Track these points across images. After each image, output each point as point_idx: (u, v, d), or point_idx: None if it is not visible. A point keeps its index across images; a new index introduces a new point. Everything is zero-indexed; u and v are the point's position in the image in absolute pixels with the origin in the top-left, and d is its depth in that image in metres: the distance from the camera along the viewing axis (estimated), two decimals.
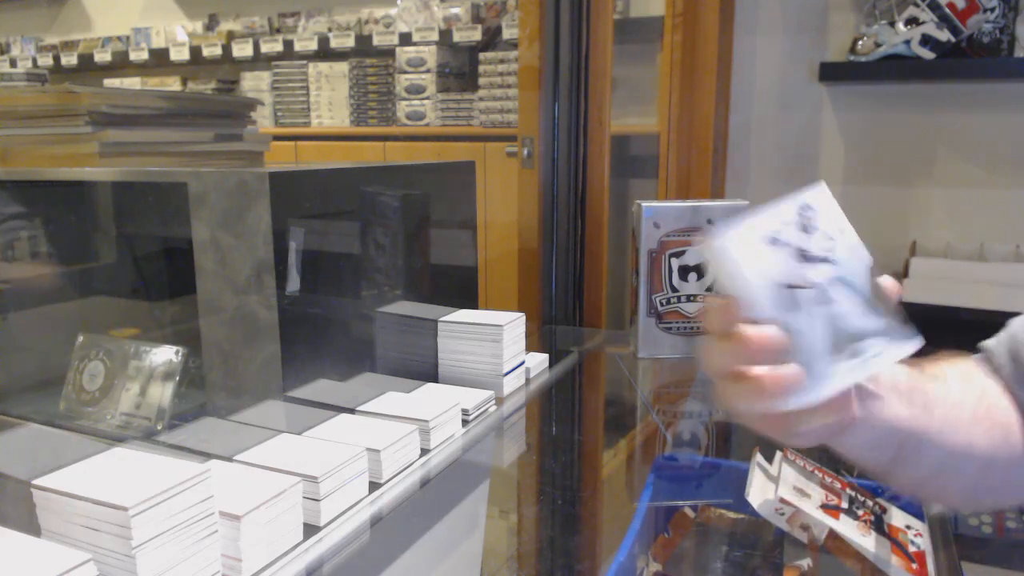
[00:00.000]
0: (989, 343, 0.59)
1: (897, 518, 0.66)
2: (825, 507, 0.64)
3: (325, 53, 2.91)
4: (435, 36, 2.68)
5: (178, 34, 3.27)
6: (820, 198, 0.44)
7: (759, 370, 0.41)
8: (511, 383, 0.96)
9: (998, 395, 0.56)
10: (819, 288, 0.42)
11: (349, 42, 2.84)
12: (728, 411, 0.45)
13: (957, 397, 0.52)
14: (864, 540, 0.61)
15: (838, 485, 0.68)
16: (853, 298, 0.43)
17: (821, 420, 0.43)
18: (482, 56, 2.57)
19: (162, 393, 0.82)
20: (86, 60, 3.38)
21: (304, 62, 2.94)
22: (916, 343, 0.44)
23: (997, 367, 0.57)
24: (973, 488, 0.54)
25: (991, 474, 0.53)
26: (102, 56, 3.35)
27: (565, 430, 0.97)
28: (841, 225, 0.44)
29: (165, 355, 0.84)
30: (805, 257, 0.42)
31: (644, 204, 1.11)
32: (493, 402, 0.92)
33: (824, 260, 0.43)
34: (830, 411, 0.43)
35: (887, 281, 0.45)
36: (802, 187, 0.44)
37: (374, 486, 0.71)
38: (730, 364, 0.42)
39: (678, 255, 1.11)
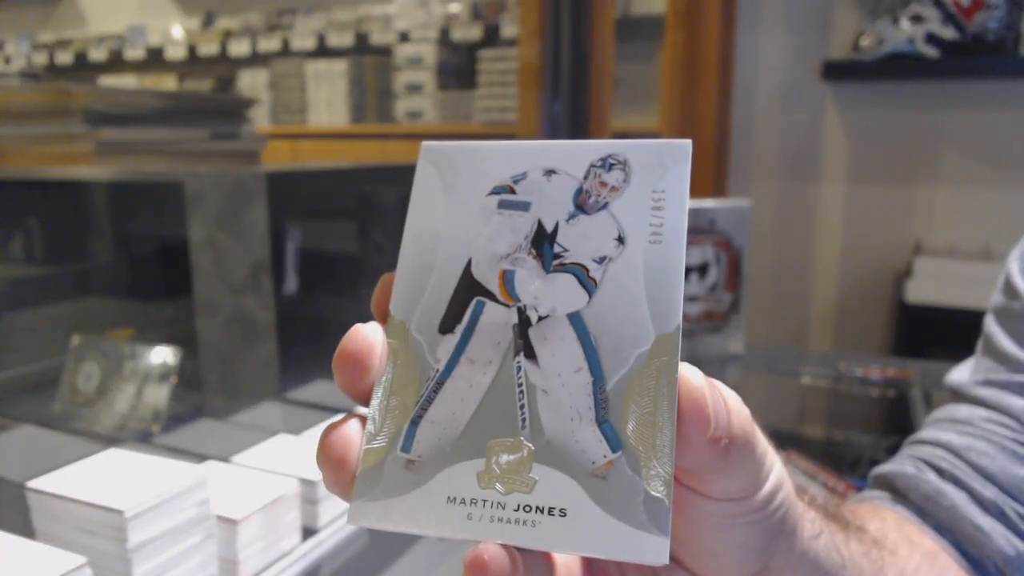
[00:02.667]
0: (891, 470, 0.47)
1: None
2: None
3: (323, 51, 2.90)
4: (434, 34, 2.67)
5: (174, 32, 3.26)
6: None
7: None
8: None
9: (924, 544, 0.43)
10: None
11: (347, 40, 2.83)
12: None
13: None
14: None
15: (841, 487, 0.68)
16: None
17: None
18: (481, 54, 2.56)
19: (158, 394, 0.81)
20: (81, 58, 3.37)
21: (302, 60, 2.93)
22: None
23: (920, 500, 0.45)
24: None
25: None
26: (97, 54, 3.34)
27: None
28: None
29: (161, 356, 0.83)
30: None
31: None
32: None
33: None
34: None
35: None
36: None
37: None
38: None
39: None
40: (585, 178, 0.25)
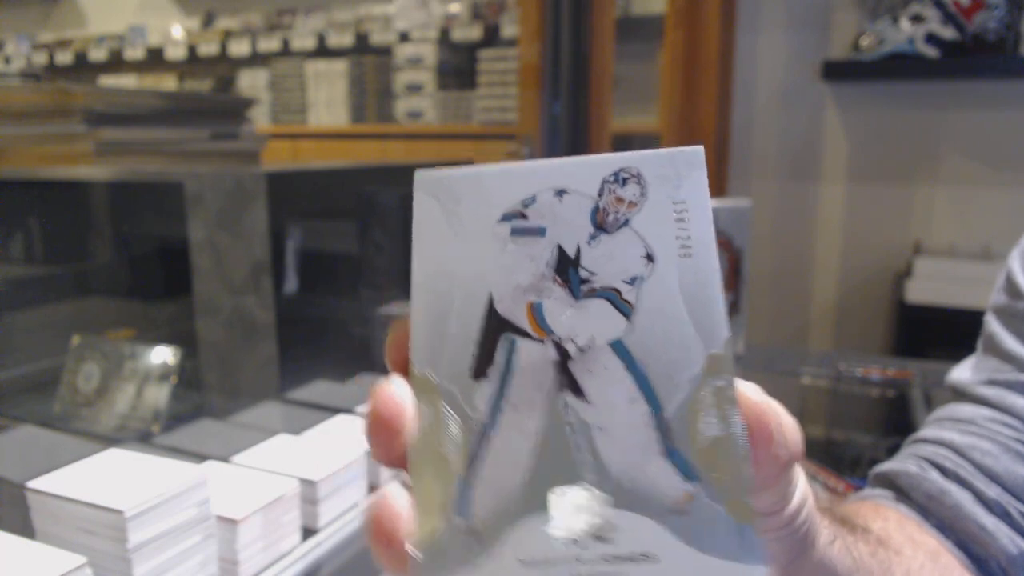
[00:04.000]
0: (906, 469, 0.47)
1: None
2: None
3: (323, 51, 2.90)
4: (434, 34, 2.67)
5: (174, 32, 3.26)
6: None
7: None
8: None
9: (927, 543, 0.43)
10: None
11: (347, 40, 2.83)
12: None
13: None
14: None
15: (841, 487, 0.68)
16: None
17: None
18: (481, 54, 2.56)
19: (158, 394, 0.81)
20: (81, 58, 3.37)
21: (301, 60, 2.93)
22: None
23: (923, 499, 0.45)
24: None
25: None
26: (97, 54, 3.34)
27: None
28: None
29: (161, 356, 0.83)
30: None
31: None
32: None
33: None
34: None
35: None
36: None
37: (373, 488, 0.70)
38: None
39: None
40: (600, 195, 0.24)
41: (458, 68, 2.73)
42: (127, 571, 0.49)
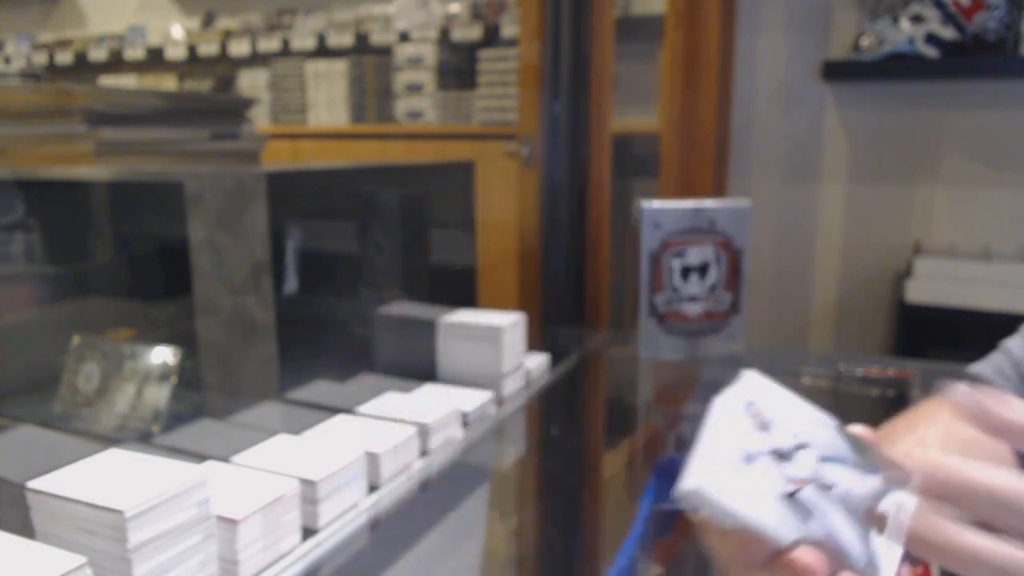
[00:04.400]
0: (983, 371, 0.55)
1: None
2: None
3: (323, 51, 2.90)
4: (434, 34, 2.67)
5: (174, 32, 3.26)
6: (755, 387, 0.39)
7: None
8: (511, 384, 0.95)
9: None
10: (814, 479, 0.37)
11: (347, 40, 2.83)
12: None
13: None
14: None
15: None
16: (846, 469, 0.37)
17: None
18: (481, 54, 2.56)
19: (158, 394, 0.81)
20: (81, 58, 3.37)
21: (302, 60, 2.93)
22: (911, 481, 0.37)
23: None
24: None
25: None
26: (97, 54, 3.34)
27: (566, 432, 0.96)
28: (789, 402, 0.39)
29: (161, 356, 0.83)
30: (782, 456, 0.37)
31: (645, 204, 1.10)
32: (493, 403, 0.91)
33: (799, 447, 0.37)
34: None
35: (860, 431, 0.39)
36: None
37: (373, 488, 0.70)
38: None
39: (679, 255, 1.11)
40: None
41: (458, 68, 2.73)
42: (127, 571, 0.49)
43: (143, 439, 0.79)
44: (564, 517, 0.70)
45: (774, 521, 0.35)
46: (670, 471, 0.82)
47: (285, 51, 2.96)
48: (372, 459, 0.70)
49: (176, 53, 3.18)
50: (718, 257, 1.11)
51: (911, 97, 1.88)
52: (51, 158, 0.98)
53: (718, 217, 1.10)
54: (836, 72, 1.87)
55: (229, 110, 1.19)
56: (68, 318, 1.03)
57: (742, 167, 2.05)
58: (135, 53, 3.26)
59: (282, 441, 0.71)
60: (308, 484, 0.63)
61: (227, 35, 3.11)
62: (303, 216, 0.78)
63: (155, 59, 3.24)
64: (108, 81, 3.38)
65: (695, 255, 1.10)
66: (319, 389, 0.81)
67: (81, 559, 0.47)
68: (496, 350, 0.92)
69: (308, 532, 0.63)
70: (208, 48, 3.10)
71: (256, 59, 3.08)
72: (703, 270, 1.11)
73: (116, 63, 3.33)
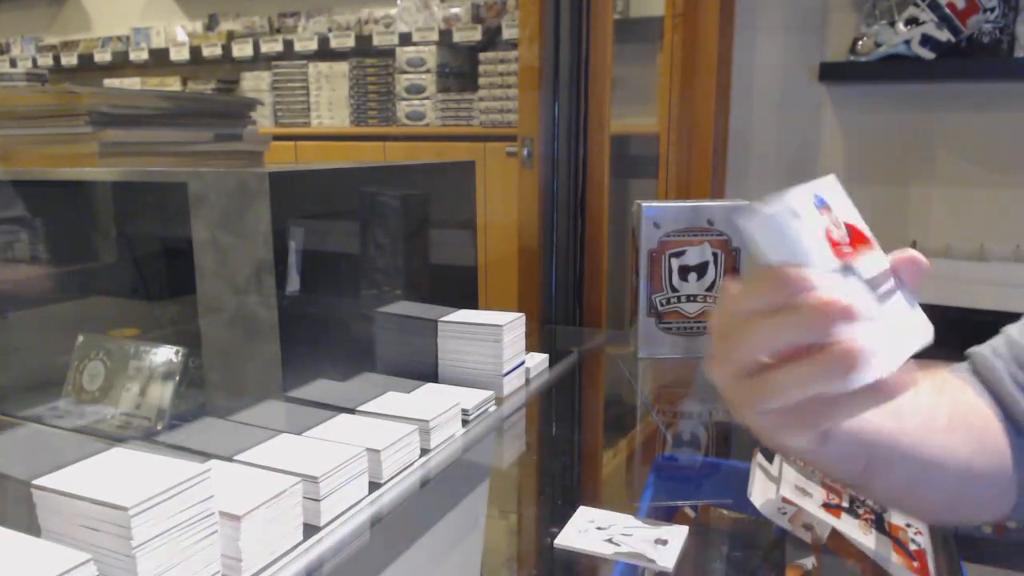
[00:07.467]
0: (979, 350, 0.58)
1: (897, 517, 0.66)
2: (827, 506, 0.64)
3: (325, 53, 2.91)
4: (435, 36, 2.68)
5: (178, 34, 3.28)
6: (831, 189, 0.43)
7: (844, 335, 0.36)
8: (511, 383, 0.96)
9: (974, 401, 0.55)
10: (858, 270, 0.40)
11: (349, 42, 2.84)
12: (742, 409, 0.41)
13: (930, 404, 0.51)
14: (865, 539, 0.61)
15: (839, 484, 0.68)
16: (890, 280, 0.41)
17: (871, 405, 0.38)
18: (482, 56, 2.57)
19: (162, 393, 0.82)
20: (86, 60, 3.38)
21: (304, 62, 2.94)
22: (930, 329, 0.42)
23: (989, 374, 0.56)
24: (951, 500, 0.52)
25: (969, 485, 0.51)
26: (102, 56, 3.36)
27: (565, 430, 0.97)
28: (858, 218, 0.43)
29: (165, 355, 0.84)
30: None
31: (644, 204, 1.11)
32: (493, 402, 0.92)
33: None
34: (881, 393, 0.38)
35: (908, 255, 0.42)
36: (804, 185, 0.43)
37: (374, 486, 0.71)
38: (780, 343, 0.38)
39: (678, 255, 1.11)
40: None
41: (459, 70, 2.74)
42: (131, 567, 0.49)
43: (147, 437, 0.80)
44: (563, 514, 0.71)
45: (826, 261, 0.39)
46: (668, 469, 0.83)
47: (288, 53, 2.97)
48: (373, 456, 0.71)
49: (180, 55, 3.19)
50: (716, 257, 1.11)
51: (907, 99, 1.88)
52: (56, 159, 0.99)
53: (716, 217, 1.10)
54: (833, 73, 1.87)
55: (233, 111, 1.20)
56: (73, 317, 1.03)
57: (740, 168, 2.05)
58: (139, 55, 3.28)
59: (284, 439, 0.71)
60: (310, 481, 0.63)
61: (230, 37, 3.12)
62: (306, 216, 0.78)
63: (159, 61, 3.25)
64: (113, 83, 3.39)
65: (693, 255, 1.11)
66: (321, 388, 0.81)
67: (86, 555, 0.47)
68: (496, 349, 0.93)
69: (310, 528, 0.63)
70: (211, 50, 3.11)
71: (259, 61, 3.09)
72: (701, 270, 1.12)
73: (121, 65, 3.35)
